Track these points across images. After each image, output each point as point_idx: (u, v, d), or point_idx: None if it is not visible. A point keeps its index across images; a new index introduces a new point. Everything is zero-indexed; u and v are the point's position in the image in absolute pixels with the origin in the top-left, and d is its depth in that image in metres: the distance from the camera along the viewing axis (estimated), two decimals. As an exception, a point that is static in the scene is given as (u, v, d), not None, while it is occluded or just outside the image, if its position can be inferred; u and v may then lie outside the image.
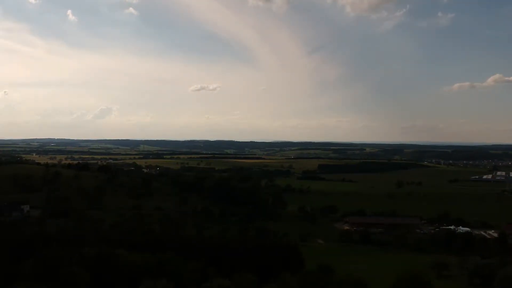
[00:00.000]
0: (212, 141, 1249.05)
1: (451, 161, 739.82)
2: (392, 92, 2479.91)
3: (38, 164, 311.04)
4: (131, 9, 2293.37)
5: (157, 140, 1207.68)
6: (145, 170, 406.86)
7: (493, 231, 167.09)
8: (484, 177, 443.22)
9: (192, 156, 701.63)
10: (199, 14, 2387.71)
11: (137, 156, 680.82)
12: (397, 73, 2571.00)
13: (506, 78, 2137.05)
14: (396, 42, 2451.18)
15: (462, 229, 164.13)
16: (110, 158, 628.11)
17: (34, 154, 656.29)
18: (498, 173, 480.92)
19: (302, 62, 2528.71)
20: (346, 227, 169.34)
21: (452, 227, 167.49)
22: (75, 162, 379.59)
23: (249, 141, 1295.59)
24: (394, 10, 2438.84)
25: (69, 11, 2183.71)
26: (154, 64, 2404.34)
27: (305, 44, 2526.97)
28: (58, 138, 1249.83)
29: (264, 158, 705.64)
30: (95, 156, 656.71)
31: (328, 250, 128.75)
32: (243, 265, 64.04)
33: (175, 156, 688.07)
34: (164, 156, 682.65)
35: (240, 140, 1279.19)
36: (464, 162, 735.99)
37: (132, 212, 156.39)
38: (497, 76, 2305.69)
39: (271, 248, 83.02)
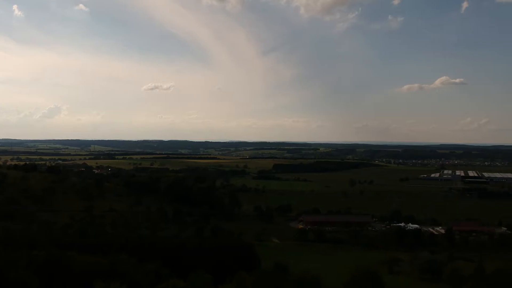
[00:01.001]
0: (166, 141, 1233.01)
1: (401, 160, 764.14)
2: (346, 93, 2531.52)
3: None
4: (81, 6, 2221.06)
5: (109, 140, 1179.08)
6: (96, 171, 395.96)
7: (440, 227, 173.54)
8: (432, 175, 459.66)
9: (146, 156, 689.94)
10: (153, 11, 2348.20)
11: (87, 157, 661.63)
12: (351, 74, 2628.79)
13: (452, 80, 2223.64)
14: (350, 44, 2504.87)
15: (412, 226, 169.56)
16: (59, 159, 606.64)
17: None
18: (445, 171, 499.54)
19: (257, 62, 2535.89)
20: (301, 226, 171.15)
21: (402, 224, 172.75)
22: (22, 163, 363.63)
23: (204, 141, 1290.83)
24: (347, 12, 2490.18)
25: (14, 6, 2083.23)
26: (105, 62, 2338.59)
27: (260, 44, 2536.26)
28: (3, 138, 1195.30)
29: (219, 158, 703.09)
30: (44, 157, 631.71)
31: (283, 249, 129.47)
32: (199, 265, 63.32)
33: (128, 156, 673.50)
34: (116, 157, 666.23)
35: (195, 140, 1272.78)
36: (413, 161, 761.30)
37: (83, 214, 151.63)
38: (444, 78, 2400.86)
39: (227, 247, 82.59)
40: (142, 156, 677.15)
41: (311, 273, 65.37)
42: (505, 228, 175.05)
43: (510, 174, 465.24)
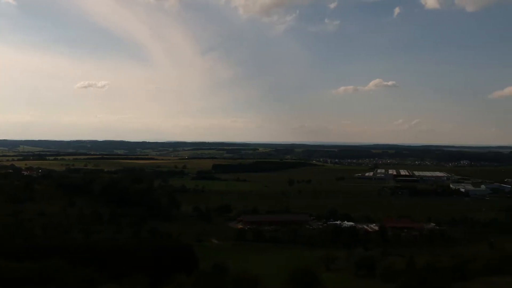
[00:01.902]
0: (100, 141, 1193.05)
1: (337, 160, 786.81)
2: (284, 94, 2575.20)
3: None
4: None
5: (39, 140, 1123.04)
6: (25, 173, 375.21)
7: (374, 224, 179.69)
8: (367, 174, 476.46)
9: (79, 157, 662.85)
10: (86, 6, 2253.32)
11: (16, 158, 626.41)
12: (289, 76, 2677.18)
13: (385, 83, 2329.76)
14: (288, 46, 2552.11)
15: (347, 223, 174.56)
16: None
17: None
18: (379, 171, 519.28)
19: (196, 61, 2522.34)
20: (240, 226, 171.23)
21: (338, 222, 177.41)
22: None
23: (141, 141, 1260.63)
24: (285, 14, 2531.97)
25: None
26: (35, 58, 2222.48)
27: (199, 43, 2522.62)
28: None
29: (157, 159, 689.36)
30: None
31: (223, 249, 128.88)
32: (136, 269, 61.37)
33: (60, 157, 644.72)
34: (47, 157, 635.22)
35: (132, 140, 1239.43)
36: (349, 160, 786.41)
37: (11, 218, 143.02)
38: (377, 80, 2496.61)
39: (165, 249, 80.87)
40: (75, 157, 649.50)
41: (250, 273, 65.29)
42: (434, 224, 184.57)
43: (438, 172, 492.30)
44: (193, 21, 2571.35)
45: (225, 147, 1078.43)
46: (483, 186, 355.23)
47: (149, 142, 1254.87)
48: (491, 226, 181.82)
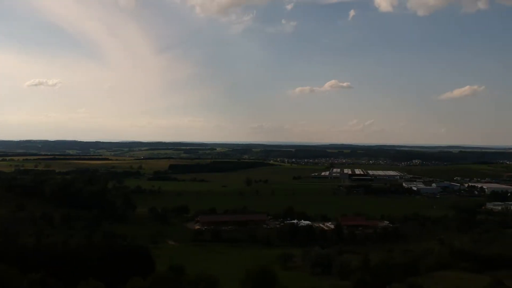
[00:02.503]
0: (52, 141, 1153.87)
1: (294, 160, 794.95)
2: (242, 94, 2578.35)
3: None
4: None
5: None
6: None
7: (330, 223, 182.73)
8: (323, 174, 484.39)
9: (29, 157, 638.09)
10: (39, 2, 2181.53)
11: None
12: (247, 75, 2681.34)
13: (340, 84, 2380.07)
14: (246, 46, 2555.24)
15: (304, 222, 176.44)
16: None
17: None
18: (334, 170, 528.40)
19: (152, 60, 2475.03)
20: (198, 227, 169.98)
21: (295, 221, 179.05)
22: None
23: (94, 141, 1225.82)
24: (242, 14, 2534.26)
25: None
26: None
27: (156, 42, 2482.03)
28: None
29: (111, 159, 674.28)
30: None
31: (180, 251, 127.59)
32: (90, 272, 59.76)
33: (8, 158, 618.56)
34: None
35: (85, 140, 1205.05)
36: (306, 160, 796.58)
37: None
38: (333, 81, 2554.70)
39: (120, 252, 79.04)
40: (24, 157, 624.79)
41: (207, 274, 65.04)
42: (387, 222, 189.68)
43: (392, 172, 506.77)
44: (149, 19, 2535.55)
45: (183, 147, 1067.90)
46: (434, 185, 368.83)
47: (103, 142, 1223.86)
48: (441, 223, 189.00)
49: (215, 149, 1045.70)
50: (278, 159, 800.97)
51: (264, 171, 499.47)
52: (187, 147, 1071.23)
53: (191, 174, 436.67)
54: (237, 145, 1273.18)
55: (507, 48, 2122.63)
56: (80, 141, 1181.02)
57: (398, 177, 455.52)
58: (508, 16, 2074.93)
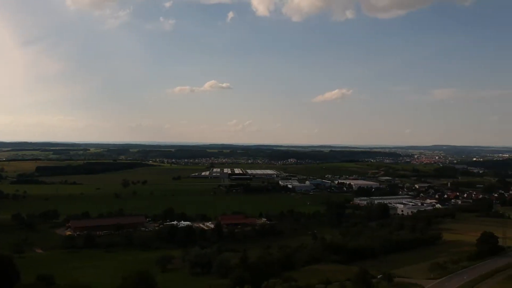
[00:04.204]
0: None
1: (174, 160, 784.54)
2: (119, 92, 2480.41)
3: None
4: None
5: None
6: None
7: (210, 222, 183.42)
8: (203, 174, 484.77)
9: None
10: None
11: None
12: (124, 73, 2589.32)
13: (220, 84, 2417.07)
14: (122, 42, 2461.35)
15: (183, 223, 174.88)
16: None
17: None
18: (215, 170, 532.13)
19: (15, 53, 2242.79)
20: (69, 232, 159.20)
21: (175, 222, 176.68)
22: None
23: None
24: (118, 9, 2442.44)
25: None
26: None
27: (20, 33, 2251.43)
28: None
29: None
30: None
31: (49, 259, 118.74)
32: None
33: None
34: None
35: None
36: (186, 160, 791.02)
37: None
38: (212, 82, 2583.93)
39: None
40: None
41: (79, 283, 60.75)
42: (265, 219, 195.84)
43: (269, 170, 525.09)
44: (13, 8, 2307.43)
45: (51, 148, 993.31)
46: (307, 182, 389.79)
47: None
48: (314, 219, 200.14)
49: (89, 150, 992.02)
50: (158, 159, 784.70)
51: (142, 172, 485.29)
52: (57, 148, 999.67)
53: (61, 176, 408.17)
54: (113, 145, 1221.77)
55: (372, 54, 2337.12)
56: None
57: (275, 175, 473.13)
58: (372, 25, 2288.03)
